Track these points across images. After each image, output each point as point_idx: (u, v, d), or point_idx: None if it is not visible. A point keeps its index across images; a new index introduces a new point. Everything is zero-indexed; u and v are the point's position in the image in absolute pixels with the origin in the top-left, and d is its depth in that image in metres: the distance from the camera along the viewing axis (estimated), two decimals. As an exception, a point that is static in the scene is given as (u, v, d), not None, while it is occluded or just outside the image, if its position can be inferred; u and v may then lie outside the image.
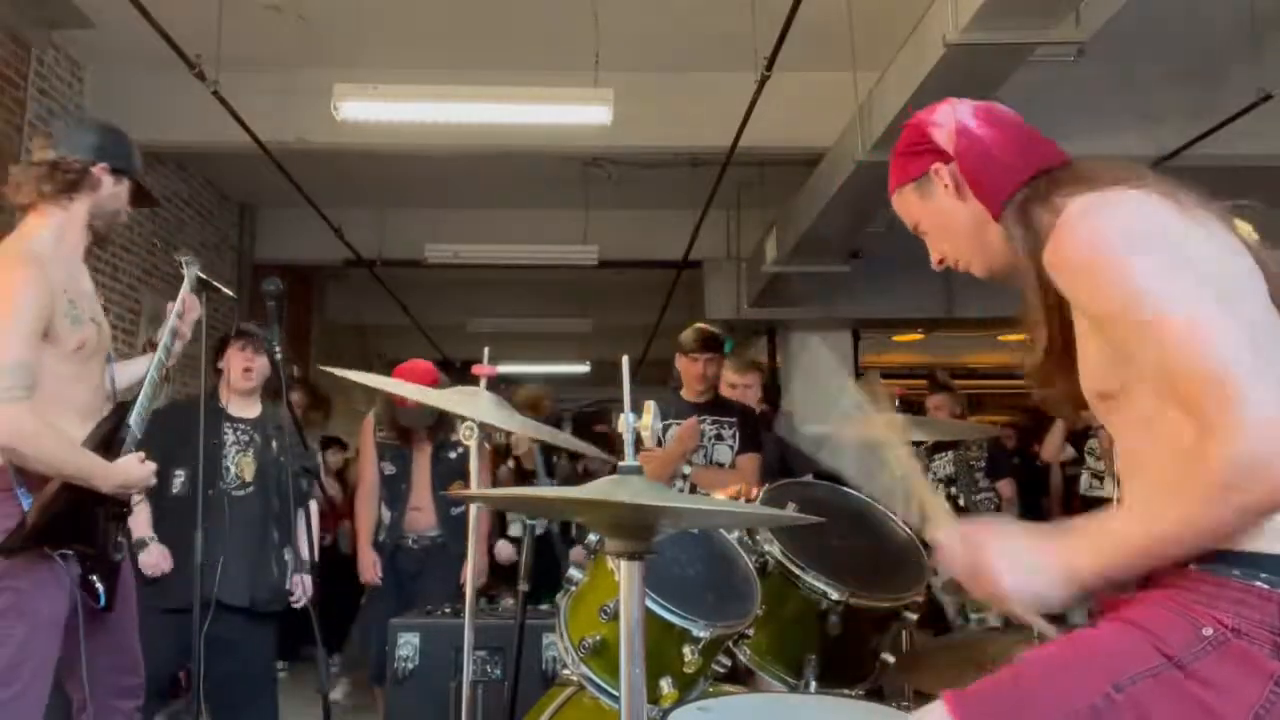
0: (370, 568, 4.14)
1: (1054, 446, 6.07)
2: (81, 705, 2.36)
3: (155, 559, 3.49)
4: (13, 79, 5.50)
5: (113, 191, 2.48)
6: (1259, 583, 1.14)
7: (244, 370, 3.64)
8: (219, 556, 3.33)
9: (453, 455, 4.24)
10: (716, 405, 4.05)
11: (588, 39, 5.29)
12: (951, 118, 1.47)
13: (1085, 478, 6.10)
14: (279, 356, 2.91)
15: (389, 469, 4.24)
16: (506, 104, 5.40)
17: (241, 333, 3.67)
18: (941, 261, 1.55)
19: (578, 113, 5.33)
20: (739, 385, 4.44)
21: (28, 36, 5.60)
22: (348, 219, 8.15)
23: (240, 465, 3.59)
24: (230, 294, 2.94)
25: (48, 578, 2.25)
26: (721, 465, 3.95)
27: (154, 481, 2.50)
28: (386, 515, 4.21)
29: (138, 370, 2.61)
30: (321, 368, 2.14)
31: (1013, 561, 1.24)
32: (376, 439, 4.27)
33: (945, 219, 1.49)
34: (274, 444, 3.65)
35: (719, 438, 3.98)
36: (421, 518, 4.19)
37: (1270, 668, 1.11)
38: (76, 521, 2.30)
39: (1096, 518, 1.24)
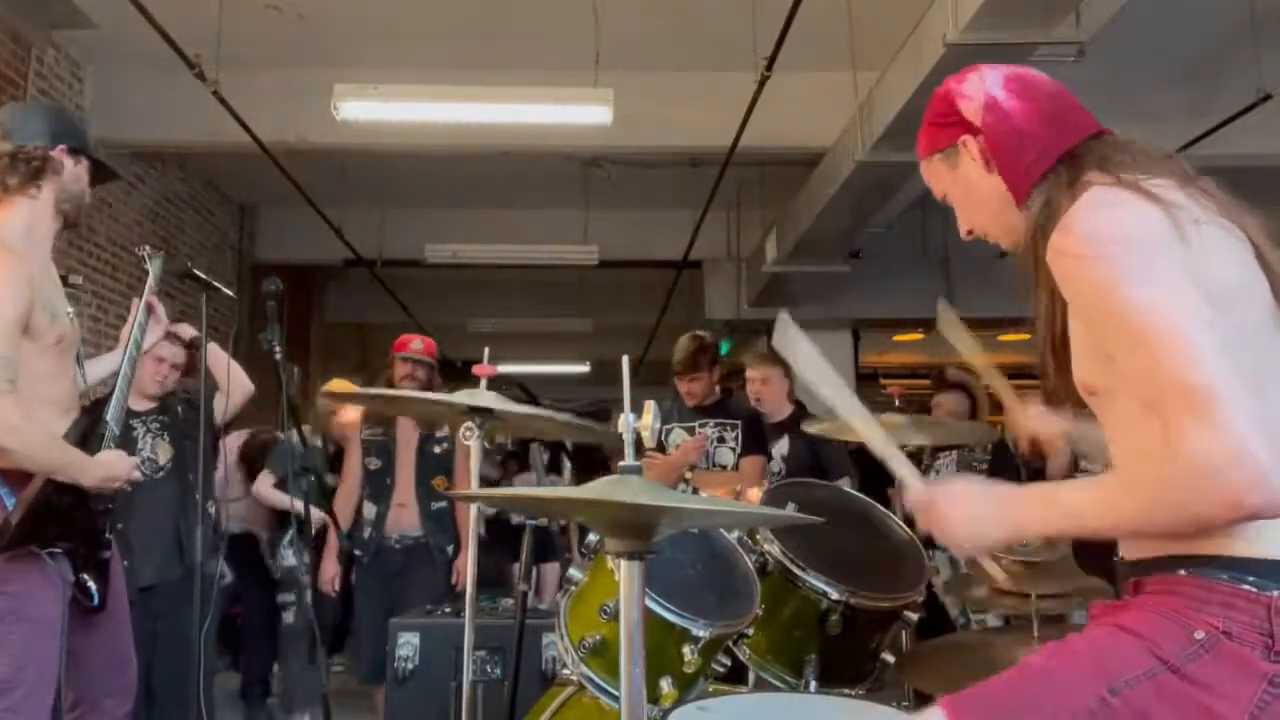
0: (327, 579, 4.13)
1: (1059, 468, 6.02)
2: (72, 704, 2.36)
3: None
4: (13, 79, 5.50)
5: (74, 173, 2.44)
6: (1247, 586, 1.15)
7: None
8: (138, 544, 3.31)
9: (437, 450, 4.20)
10: (719, 408, 4.09)
11: (588, 39, 5.29)
12: (981, 89, 1.43)
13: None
14: (279, 356, 2.90)
15: (374, 463, 4.18)
16: (506, 104, 5.40)
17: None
18: (970, 233, 1.52)
19: (578, 113, 5.32)
20: (755, 379, 4.40)
21: (28, 36, 5.60)
22: (348, 219, 8.15)
23: (156, 449, 3.55)
24: (230, 294, 2.94)
25: (41, 580, 2.23)
26: (724, 468, 3.98)
27: (138, 476, 2.49)
28: (371, 511, 4.15)
29: (107, 366, 2.60)
30: (329, 390, 2.17)
31: (966, 511, 1.34)
32: (363, 436, 4.22)
33: (972, 192, 1.46)
34: (185, 431, 3.59)
35: (720, 440, 4.01)
36: (404, 515, 4.12)
37: (1262, 668, 1.12)
38: (63, 519, 2.28)
39: (1058, 485, 1.30)
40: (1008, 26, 4.20)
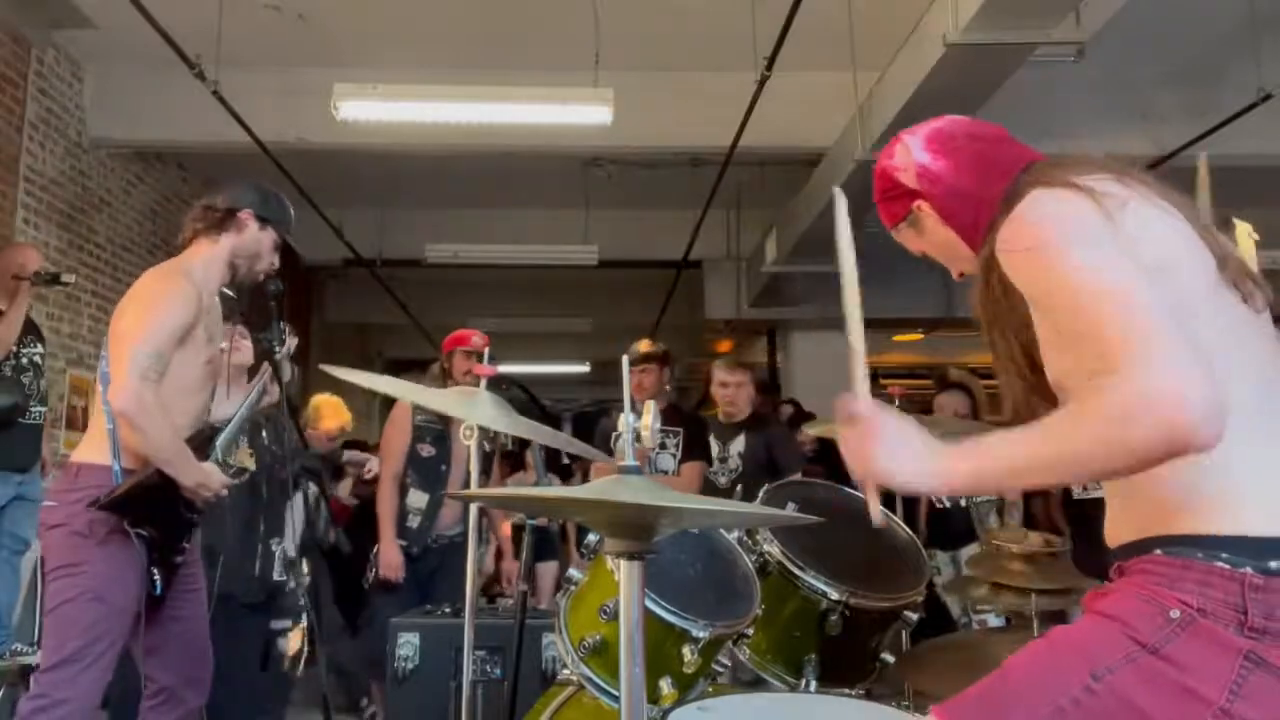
0: (394, 566, 3.95)
1: None
2: (154, 691, 2.59)
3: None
4: (13, 79, 5.50)
5: (255, 236, 2.78)
6: (1220, 563, 1.17)
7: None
8: (219, 547, 3.29)
9: (488, 447, 3.98)
10: (664, 414, 4.13)
11: (588, 39, 5.29)
12: (908, 159, 1.51)
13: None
14: (278, 356, 2.91)
15: (427, 451, 4.07)
16: (506, 104, 5.40)
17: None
18: (962, 275, 1.57)
19: (578, 113, 5.32)
20: (730, 384, 4.46)
21: (28, 36, 5.60)
22: (348, 219, 8.15)
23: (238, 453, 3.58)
24: (230, 294, 2.95)
25: (124, 564, 2.46)
26: (665, 473, 4.04)
27: (225, 492, 2.69)
28: (422, 500, 4.03)
29: (227, 410, 2.85)
30: (323, 367, 2.21)
31: (894, 445, 1.28)
32: (416, 421, 4.10)
33: (946, 247, 1.54)
34: (264, 433, 3.63)
35: (662, 446, 4.07)
36: (446, 513, 4.05)
37: (1238, 644, 1.14)
38: (156, 509, 2.51)
39: (991, 436, 1.26)
40: (1008, 26, 4.20)
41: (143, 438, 2.47)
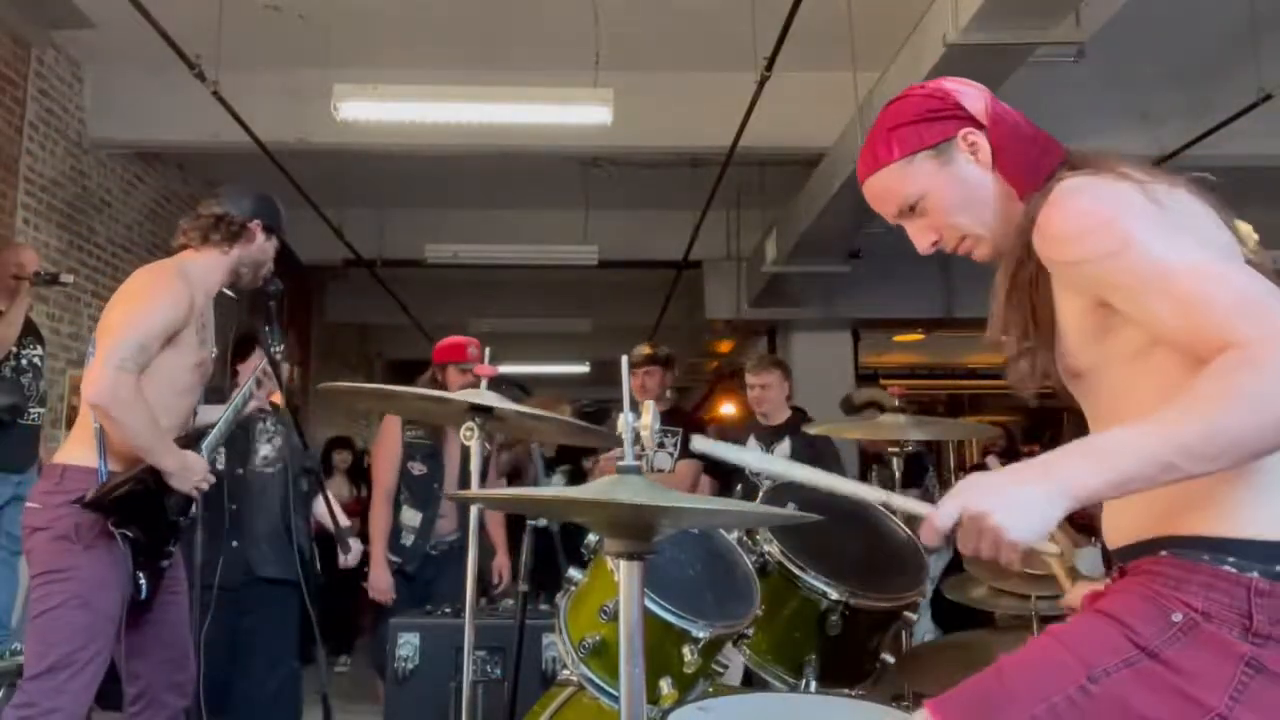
0: (384, 590, 3.91)
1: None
2: (134, 697, 2.55)
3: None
4: (13, 79, 5.50)
5: (262, 246, 2.88)
6: (1227, 567, 1.16)
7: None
8: (258, 533, 3.51)
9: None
10: (664, 416, 4.15)
11: (588, 39, 5.29)
12: (977, 90, 1.45)
13: None
14: (279, 356, 2.92)
15: (419, 469, 4.04)
16: (506, 104, 5.40)
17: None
18: (936, 243, 1.43)
19: (578, 113, 5.32)
20: (755, 386, 4.47)
21: (28, 36, 5.60)
22: (348, 219, 8.14)
23: (270, 448, 3.73)
24: (230, 294, 2.95)
25: (109, 568, 2.42)
26: (661, 471, 4.10)
27: (210, 481, 2.66)
28: (416, 518, 4.02)
29: (213, 414, 2.86)
30: (323, 386, 2.19)
31: (1006, 499, 1.15)
32: (406, 438, 4.07)
33: (968, 189, 1.39)
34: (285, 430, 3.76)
35: (660, 446, 4.10)
36: (444, 523, 4.04)
37: (1240, 649, 1.13)
38: (141, 508, 2.48)
39: (1089, 437, 1.21)
40: (1008, 26, 4.20)
41: (118, 427, 2.42)
